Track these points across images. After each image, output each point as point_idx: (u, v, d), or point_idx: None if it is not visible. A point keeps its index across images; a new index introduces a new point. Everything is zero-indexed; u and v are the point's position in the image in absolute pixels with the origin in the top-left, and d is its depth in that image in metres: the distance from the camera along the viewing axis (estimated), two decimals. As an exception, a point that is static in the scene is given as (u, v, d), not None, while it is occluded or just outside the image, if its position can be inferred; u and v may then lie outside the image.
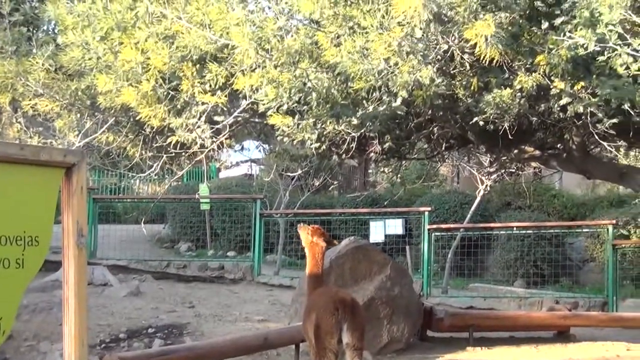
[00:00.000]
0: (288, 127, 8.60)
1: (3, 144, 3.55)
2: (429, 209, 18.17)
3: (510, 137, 9.50)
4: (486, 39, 7.12)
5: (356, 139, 9.01)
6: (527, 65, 8.33)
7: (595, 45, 7.43)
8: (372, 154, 11.19)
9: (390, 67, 7.74)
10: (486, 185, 18.13)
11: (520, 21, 8.01)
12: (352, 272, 12.18)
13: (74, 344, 3.71)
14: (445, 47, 7.75)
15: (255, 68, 8.25)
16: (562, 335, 13.44)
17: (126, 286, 16.32)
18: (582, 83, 8.30)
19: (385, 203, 20.22)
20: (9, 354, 11.71)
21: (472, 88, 8.52)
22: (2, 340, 3.55)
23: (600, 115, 8.79)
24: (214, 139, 9.15)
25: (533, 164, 15.96)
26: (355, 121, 8.55)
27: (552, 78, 8.29)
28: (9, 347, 11.94)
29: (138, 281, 17.26)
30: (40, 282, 15.21)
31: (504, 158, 12.79)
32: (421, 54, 7.64)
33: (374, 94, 8.41)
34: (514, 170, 17.75)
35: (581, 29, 7.55)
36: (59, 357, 11.21)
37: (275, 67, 8.15)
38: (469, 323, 12.89)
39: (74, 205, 3.74)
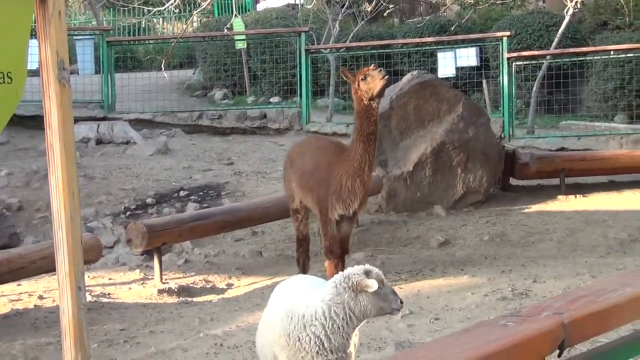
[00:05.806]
0: None
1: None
2: (508, 33, 17.83)
3: None
4: None
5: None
6: None
7: None
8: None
9: None
10: (576, 2, 17.61)
11: None
12: (417, 112, 12.12)
13: (62, 196, 3.70)
14: None
15: None
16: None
17: (152, 143, 16.45)
18: None
19: (452, 29, 19.85)
20: (19, 227, 11.92)
21: None
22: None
23: None
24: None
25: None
26: None
27: None
28: (19, 219, 12.16)
29: (166, 137, 17.39)
30: (52, 143, 15.35)
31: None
32: None
33: None
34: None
35: None
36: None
37: None
38: (560, 167, 12.80)
39: (51, 34, 3.62)
